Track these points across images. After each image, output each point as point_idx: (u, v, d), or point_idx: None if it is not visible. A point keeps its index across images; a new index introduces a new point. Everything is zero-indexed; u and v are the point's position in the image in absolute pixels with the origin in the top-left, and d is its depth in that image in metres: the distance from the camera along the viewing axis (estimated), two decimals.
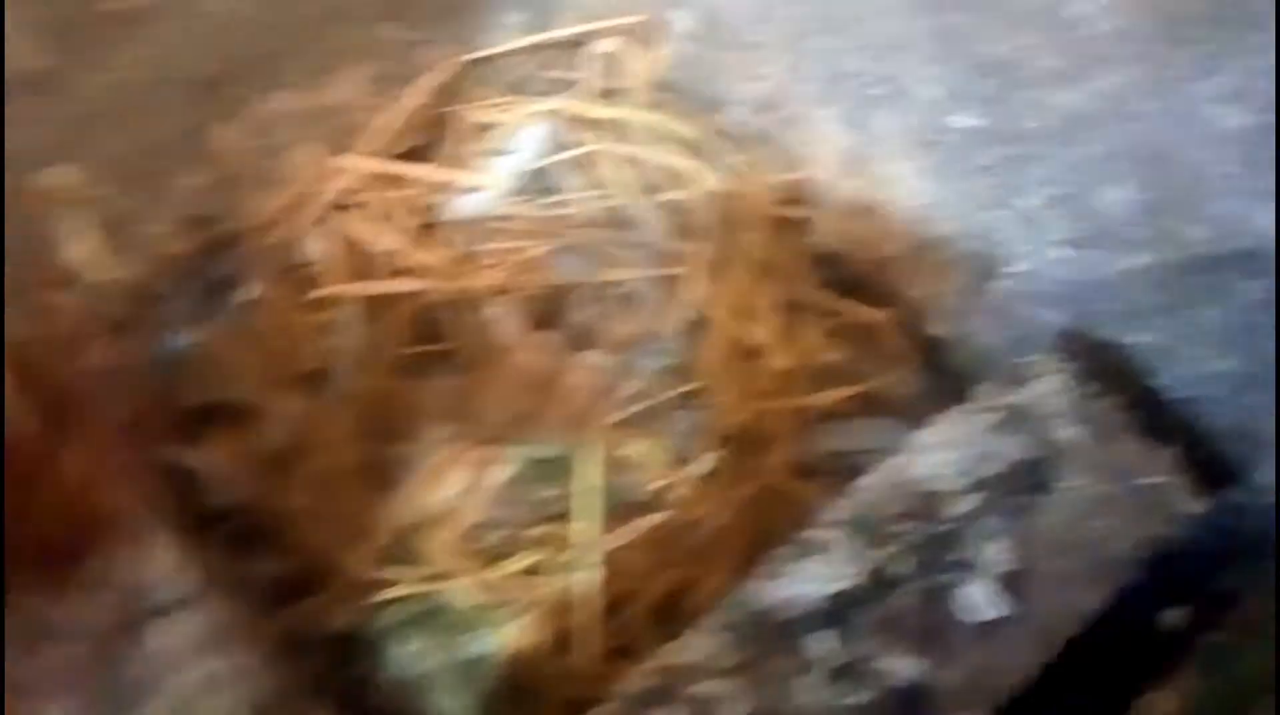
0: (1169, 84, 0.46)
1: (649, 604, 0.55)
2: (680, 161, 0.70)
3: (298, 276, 0.67)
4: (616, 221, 0.70)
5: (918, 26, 0.56)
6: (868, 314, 0.66)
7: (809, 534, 0.46)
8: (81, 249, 0.58)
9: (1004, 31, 0.52)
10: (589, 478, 0.60)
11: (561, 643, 0.55)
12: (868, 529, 0.46)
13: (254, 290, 0.66)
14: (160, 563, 0.42)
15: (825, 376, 0.66)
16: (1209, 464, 0.50)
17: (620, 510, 0.60)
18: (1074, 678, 0.45)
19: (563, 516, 0.59)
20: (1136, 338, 0.53)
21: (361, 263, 0.67)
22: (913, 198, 0.61)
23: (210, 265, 0.64)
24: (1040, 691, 0.44)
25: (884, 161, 0.62)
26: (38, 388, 0.42)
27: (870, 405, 0.65)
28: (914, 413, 0.63)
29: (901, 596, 0.44)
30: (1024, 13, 0.50)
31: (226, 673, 0.40)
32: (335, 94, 0.64)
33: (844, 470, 0.61)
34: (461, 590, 0.56)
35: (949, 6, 0.54)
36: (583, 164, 0.71)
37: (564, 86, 0.72)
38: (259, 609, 0.54)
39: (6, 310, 0.49)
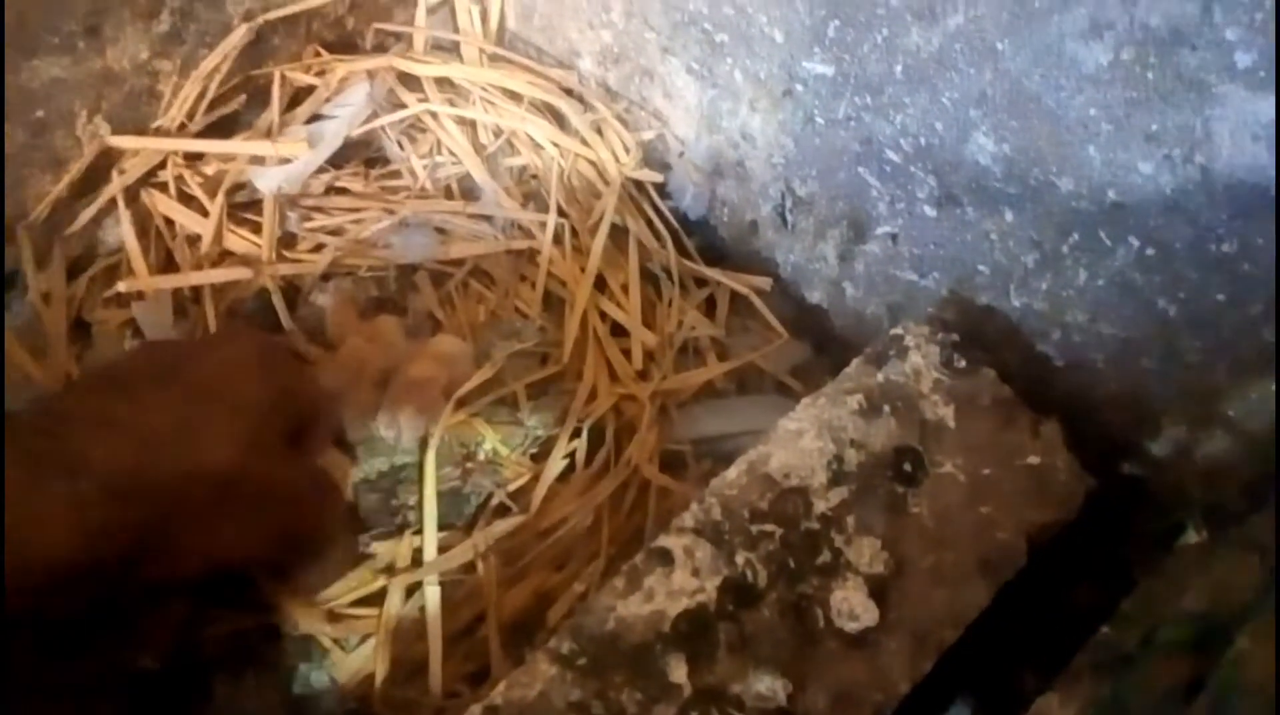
0: (1025, 19, 0.41)
1: (505, 621, 0.50)
2: (525, 123, 0.63)
3: (94, 270, 0.59)
4: (457, 192, 0.63)
5: None
6: (738, 283, 0.61)
7: (660, 543, 0.41)
8: None
9: None
10: (436, 484, 0.54)
11: (410, 670, 0.49)
12: (725, 534, 0.41)
13: (42, 287, 0.58)
14: None
15: (697, 353, 0.61)
16: (1096, 436, 0.46)
17: (474, 516, 0.54)
18: (959, 685, 0.41)
19: (410, 527, 0.53)
20: (1015, 302, 0.49)
21: (167, 251, 0.59)
22: (772, 155, 0.56)
23: None
24: (922, 703, 0.40)
25: (738, 115, 0.56)
26: None
27: (748, 380, 0.61)
28: (794, 387, 0.59)
29: (763, 610, 0.40)
30: None
31: None
32: (115, 58, 0.55)
33: (721, 456, 0.56)
34: (296, 619, 0.49)
35: None
36: (415, 128, 0.64)
37: (390, 41, 0.64)
38: (53, 653, 0.47)
39: None
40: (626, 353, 0.59)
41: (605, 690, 0.38)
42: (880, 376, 0.45)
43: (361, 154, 0.64)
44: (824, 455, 0.43)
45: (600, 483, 0.54)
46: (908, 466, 0.43)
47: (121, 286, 0.58)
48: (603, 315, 0.60)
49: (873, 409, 0.44)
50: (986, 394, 0.45)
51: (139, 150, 0.60)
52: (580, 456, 0.55)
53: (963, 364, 0.46)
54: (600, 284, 0.61)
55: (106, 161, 0.60)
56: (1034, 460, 0.44)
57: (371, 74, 0.62)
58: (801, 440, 0.44)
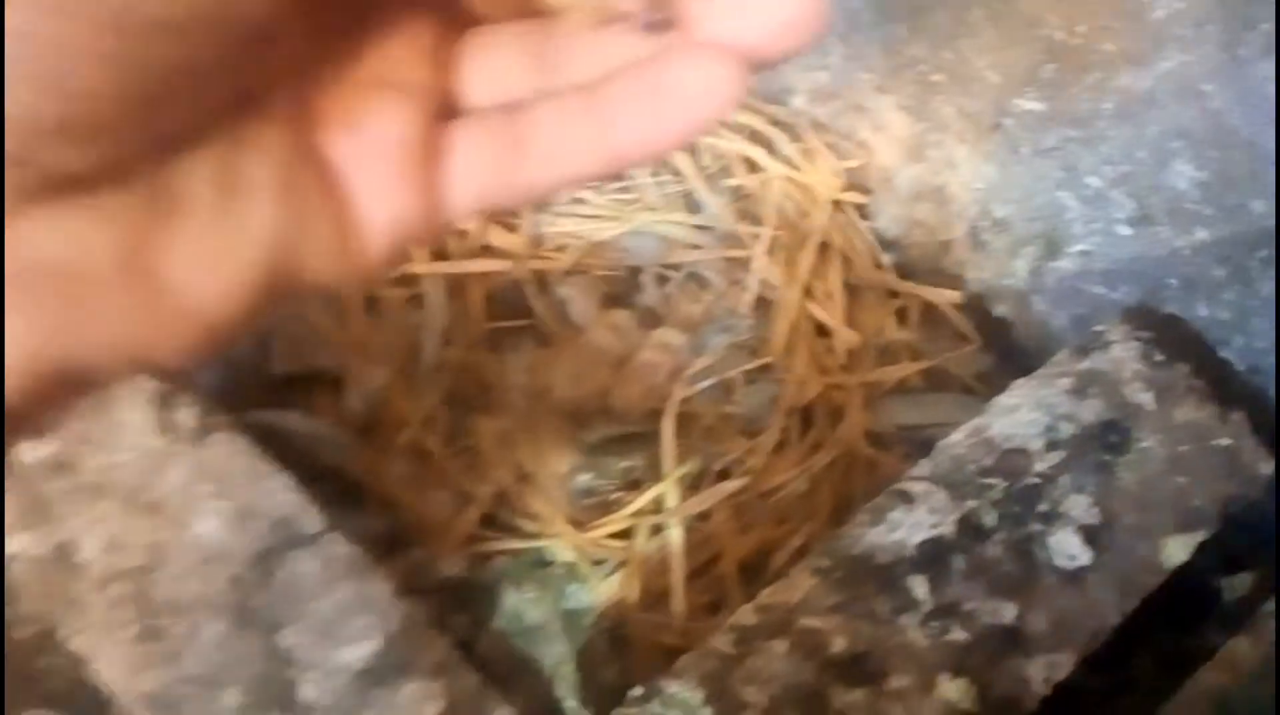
0: (1232, 64, 0.49)
1: (735, 563, 0.58)
2: (743, 149, 0.73)
3: None
4: (683, 206, 0.73)
5: (977, 15, 0.59)
6: (931, 295, 0.69)
7: (899, 486, 0.49)
8: None
9: (1066, 18, 0.55)
10: (666, 448, 0.62)
11: (654, 598, 0.57)
12: (956, 483, 0.49)
13: None
14: (294, 498, 0.45)
15: (891, 355, 0.68)
16: (1273, 432, 0.52)
17: (699, 480, 0.62)
18: (1156, 626, 0.48)
19: (645, 485, 0.62)
20: (1201, 311, 0.56)
21: (441, 243, 0.70)
22: (974, 181, 0.64)
23: None
24: (1124, 637, 0.46)
25: (945, 146, 0.65)
26: None
27: (936, 382, 0.68)
28: (979, 390, 0.67)
29: (991, 545, 0.47)
30: None
31: (359, 600, 0.43)
32: None
33: (916, 442, 0.64)
34: (560, 547, 0.58)
35: None
36: None
37: None
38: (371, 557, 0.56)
39: None
40: (831, 350, 0.67)
41: (860, 598, 0.46)
42: (1086, 364, 0.53)
43: None
44: (1038, 425, 0.50)
45: (815, 454, 0.62)
46: (1113, 438, 0.50)
47: (404, 270, 0.68)
48: (810, 317, 0.68)
49: (1080, 390, 0.52)
50: (1180, 384, 0.52)
51: None
52: (793, 434, 0.63)
53: (1159, 358, 0.53)
54: (807, 290, 0.69)
55: None
56: (1224, 442, 0.50)
57: None
58: (1018, 413, 0.51)
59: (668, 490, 0.60)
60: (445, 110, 0.20)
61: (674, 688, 0.43)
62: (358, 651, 0.41)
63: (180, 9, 0.14)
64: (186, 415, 0.47)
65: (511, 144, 0.20)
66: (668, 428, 0.62)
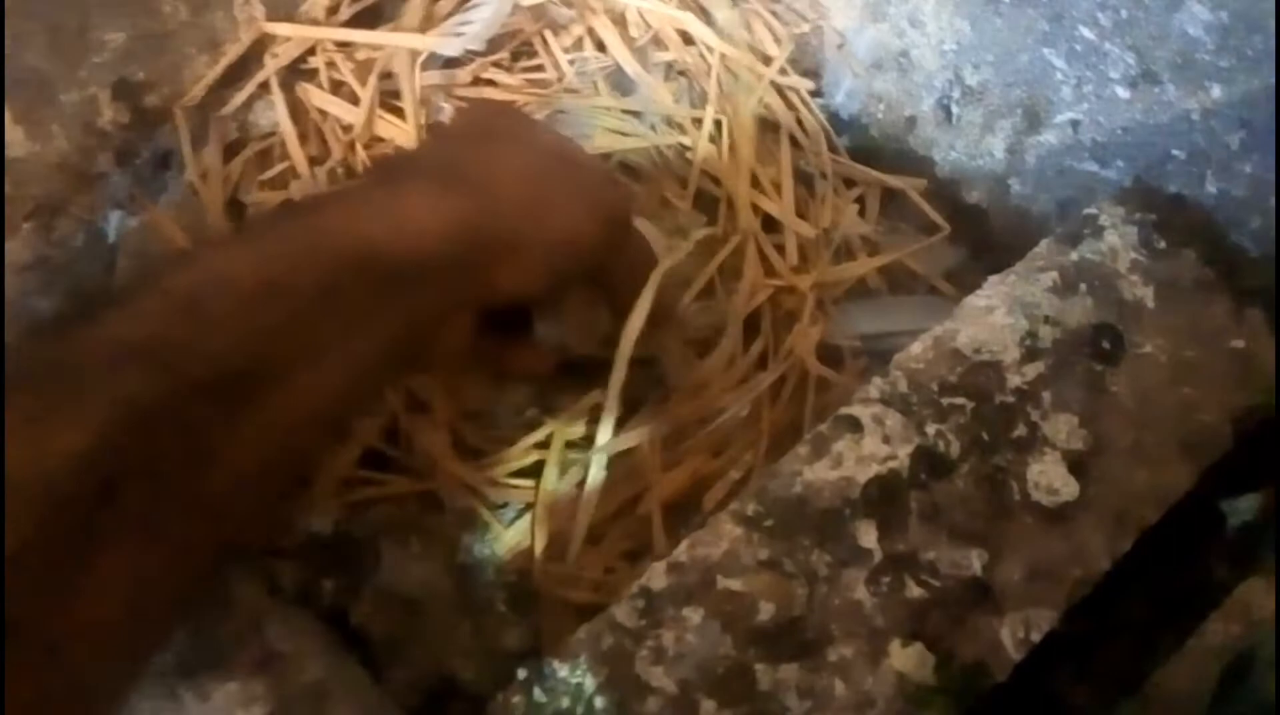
0: None
1: (661, 503, 0.49)
2: (677, 15, 0.62)
3: (248, 153, 0.59)
4: (609, 87, 0.62)
5: None
6: (893, 181, 0.59)
7: (847, 411, 0.40)
8: None
9: None
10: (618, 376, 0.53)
11: (565, 546, 0.49)
12: (913, 406, 0.40)
13: (200, 166, 0.58)
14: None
15: (849, 252, 0.59)
16: None
17: (626, 402, 0.53)
18: (1156, 567, 0.40)
19: (561, 409, 0.53)
20: (1210, 188, 0.46)
21: (318, 136, 0.59)
22: (944, 41, 0.54)
23: (144, 140, 0.56)
24: (1118, 584, 0.38)
25: (909, 2, 0.54)
26: None
27: (899, 283, 0.59)
28: (948, 291, 0.57)
29: (955, 481, 0.39)
30: None
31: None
32: None
33: (876, 354, 0.55)
34: (453, 490, 0.49)
35: None
36: (559, 23, 0.63)
37: None
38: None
39: None
40: (779, 249, 0.58)
41: (793, 551, 0.37)
42: (1074, 255, 0.43)
43: (509, 45, 0.63)
44: (1016, 331, 0.41)
45: (760, 373, 0.53)
46: (1106, 345, 0.41)
47: (279, 169, 0.58)
48: (758, 209, 0.58)
49: (1067, 287, 0.43)
50: (1187, 276, 0.43)
51: (287, 36, 0.60)
52: (736, 347, 0.54)
53: (1162, 245, 0.44)
54: (754, 179, 0.59)
55: (258, 47, 0.60)
56: (1238, 344, 0.42)
57: None
58: (991, 316, 0.42)
59: (585, 419, 0.51)
60: None
61: (563, 670, 0.35)
62: None
63: None
64: None
65: None
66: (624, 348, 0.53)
